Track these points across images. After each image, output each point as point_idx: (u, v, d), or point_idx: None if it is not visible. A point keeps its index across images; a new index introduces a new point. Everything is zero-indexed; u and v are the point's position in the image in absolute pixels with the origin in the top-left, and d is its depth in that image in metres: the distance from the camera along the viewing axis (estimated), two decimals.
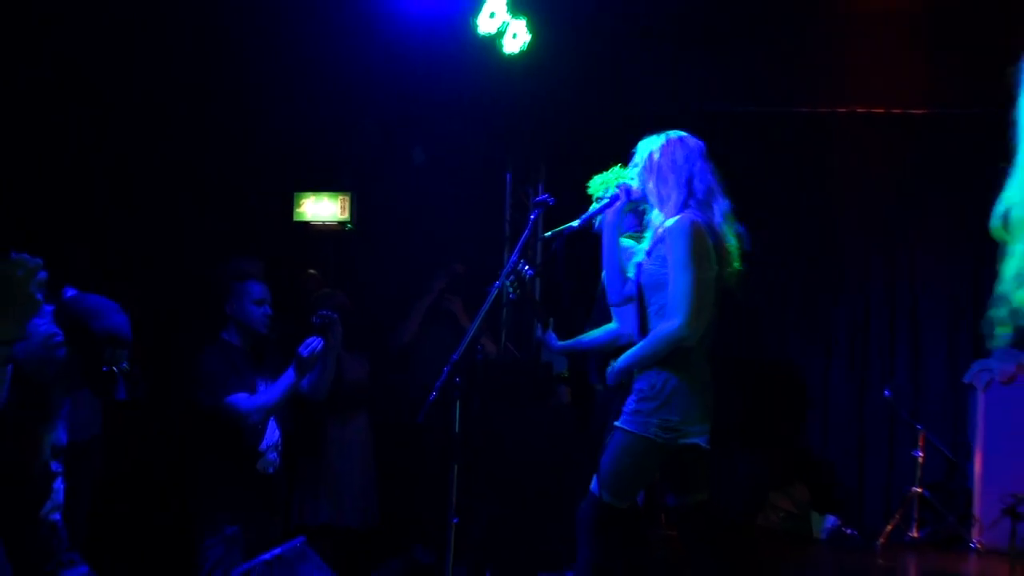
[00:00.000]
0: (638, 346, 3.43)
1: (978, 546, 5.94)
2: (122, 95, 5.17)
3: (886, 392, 6.19)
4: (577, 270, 4.53)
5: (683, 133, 3.58)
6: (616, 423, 3.45)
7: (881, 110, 6.53)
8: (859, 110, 6.55)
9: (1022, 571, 4.99)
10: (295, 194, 6.15)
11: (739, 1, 6.07)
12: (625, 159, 4.56)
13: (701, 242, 3.35)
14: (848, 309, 6.88)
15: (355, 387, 5.35)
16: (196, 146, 5.44)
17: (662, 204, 3.47)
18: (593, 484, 3.49)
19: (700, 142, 3.57)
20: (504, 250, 6.25)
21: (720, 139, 6.61)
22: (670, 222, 3.38)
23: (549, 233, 4.43)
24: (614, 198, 3.66)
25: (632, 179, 3.60)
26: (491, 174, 6.41)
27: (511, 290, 4.19)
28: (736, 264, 3.46)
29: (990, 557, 5.77)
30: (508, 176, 6.33)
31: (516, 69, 5.74)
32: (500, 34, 5.60)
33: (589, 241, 4.19)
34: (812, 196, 6.83)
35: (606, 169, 4.14)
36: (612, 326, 4.22)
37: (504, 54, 5.59)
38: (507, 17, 5.59)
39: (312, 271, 6.02)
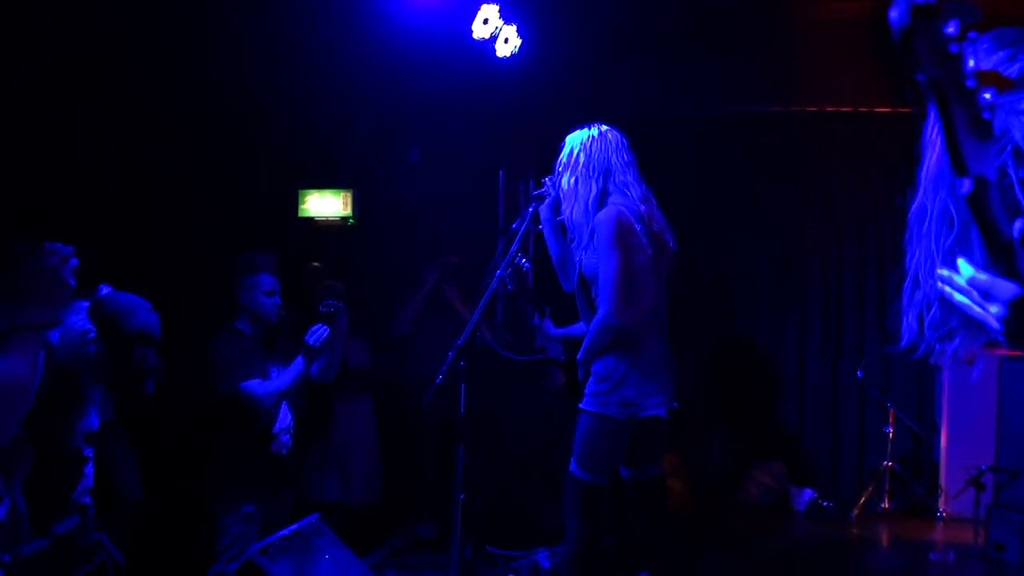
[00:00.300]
0: (584, 340, 3.60)
1: (944, 514, 6.28)
2: (133, 98, 5.33)
3: (859, 373, 6.47)
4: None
5: (604, 127, 3.71)
6: (580, 405, 3.63)
7: (849, 108, 6.83)
8: (828, 108, 6.85)
9: (985, 535, 5.27)
10: (300, 191, 6.36)
11: (715, 8, 6.28)
12: None
13: (626, 230, 3.47)
14: (820, 293, 7.13)
15: (359, 372, 5.61)
16: (206, 146, 5.58)
17: (581, 198, 3.57)
18: (571, 464, 3.62)
19: (620, 135, 3.71)
20: (499, 242, 6.50)
21: (699, 138, 7.03)
22: (600, 214, 3.48)
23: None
24: (544, 193, 3.83)
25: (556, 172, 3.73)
26: (484, 171, 6.61)
27: (509, 282, 4.43)
28: (671, 244, 3.64)
29: (955, 524, 6.09)
30: (501, 173, 6.56)
31: (507, 72, 5.96)
32: (493, 39, 5.84)
33: None
34: (787, 189, 7.10)
35: None
36: None
37: (496, 58, 5.81)
38: (499, 23, 5.82)
39: (315, 263, 6.26)
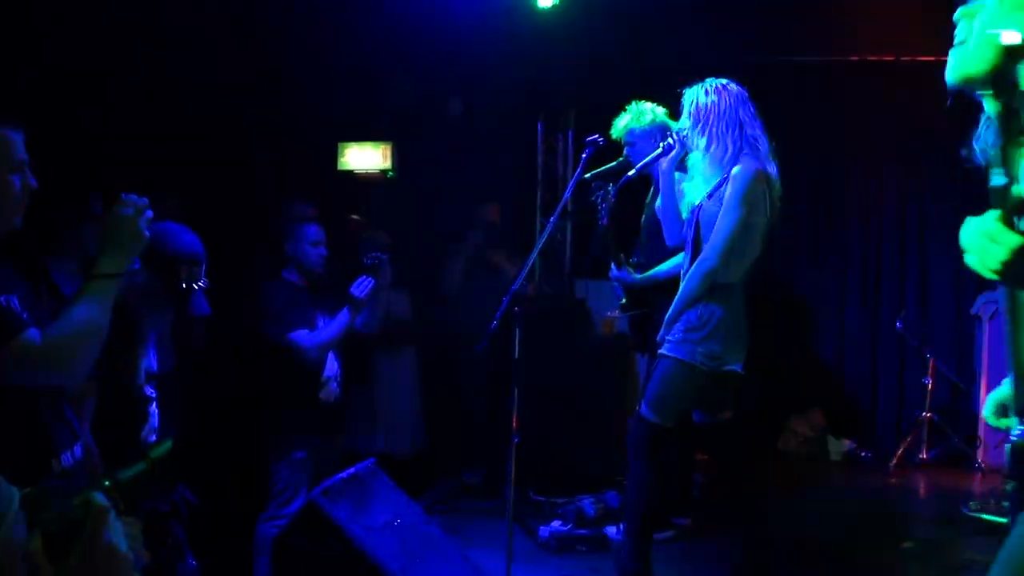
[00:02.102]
0: (681, 289, 3.65)
1: (983, 465, 6.29)
2: (196, 63, 5.41)
3: (897, 324, 6.46)
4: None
5: (725, 80, 3.72)
6: (662, 351, 3.68)
7: (891, 57, 6.74)
8: (870, 58, 6.76)
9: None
10: (339, 144, 6.39)
11: None
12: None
13: (758, 189, 3.54)
14: (861, 243, 7.10)
15: (400, 323, 5.68)
16: (252, 102, 5.71)
17: (712, 150, 3.61)
18: (641, 407, 3.72)
19: (742, 88, 3.72)
20: (537, 192, 6.54)
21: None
22: (736, 169, 3.53)
23: (589, 174, 4.73)
24: (668, 148, 3.88)
25: (683, 128, 3.76)
26: (523, 122, 6.64)
27: (603, 213, 4.42)
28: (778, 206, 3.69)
29: (994, 475, 6.11)
30: (540, 124, 6.58)
31: (548, 22, 5.95)
32: None
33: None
34: (827, 139, 7.03)
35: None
36: (680, 259, 4.37)
37: (538, 8, 5.79)
38: None
39: (356, 216, 6.32)
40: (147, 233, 2.32)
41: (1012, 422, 1.91)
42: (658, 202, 4.34)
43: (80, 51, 4.84)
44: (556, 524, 4.67)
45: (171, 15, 5.26)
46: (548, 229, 3.88)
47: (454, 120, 6.64)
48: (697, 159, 3.72)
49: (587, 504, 4.99)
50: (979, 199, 5.93)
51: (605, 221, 4.46)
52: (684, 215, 3.86)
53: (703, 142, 3.65)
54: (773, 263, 7.06)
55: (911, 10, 6.18)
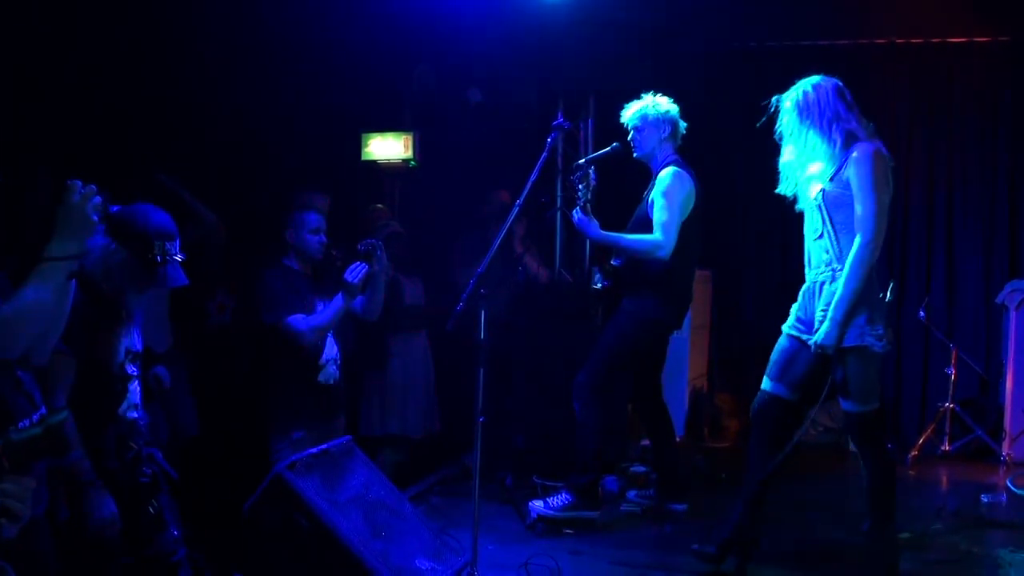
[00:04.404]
0: (842, 288, 3.68)
1: (1008, 458, 6.14)
2: (222, 52, 5.57)
3: (920, 313, 6.34)
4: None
5: (818, 78, 3.89)
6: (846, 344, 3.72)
7: (919, 40, 6.60)
8: (897, 40, 6.63)
9: None
10: (363, 134, 6.56)
11: None
12: (665, 92, 4.90)
13: (880, 168, 3.68)
14: (886, 231, 6.96)
15: (414, 309, 5.82)
16: (278, 93, 5.85)
17: (820, 147, 3.78)
18: (851, 406, 3.87)
19: (833, 80, 3.88)
20: (557, 180, 6.58)
21: (761, 73, 6.88)
22: (856, 152, 3.68)
23: (583, 160, 4.89)
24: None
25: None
26: (543, 111, 6.67)
27: (582, 194, 4.65)
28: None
29: (1018, 467, 5.98)
30: (559, 112, 6.60)
31: (558, 10, 5.97)
32: None
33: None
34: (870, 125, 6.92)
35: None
36: (657, 237, 4.57)
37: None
38: None
39: (379, 205, 6.47)
40: (95, 218, 2.42)
41: None
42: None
43: (100, 39, 5.00)
44: (541, 505, 4.71)
45: (197, 5, 5.42)
46: (512, 213, 3.89)
47: (475, 109, 6.71)
48: (802, 150, 3.84)
49: (610, 482, 5.06)
50: (1008, 185, 5.82)
51: (583, 201, 4.58)
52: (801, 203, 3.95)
53: (811, 137, 3.80)
54: (797, 251, 7.05)
55: None
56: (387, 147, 6.58)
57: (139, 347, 3.21)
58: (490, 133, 6.55)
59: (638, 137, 4.86)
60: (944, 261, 6.87)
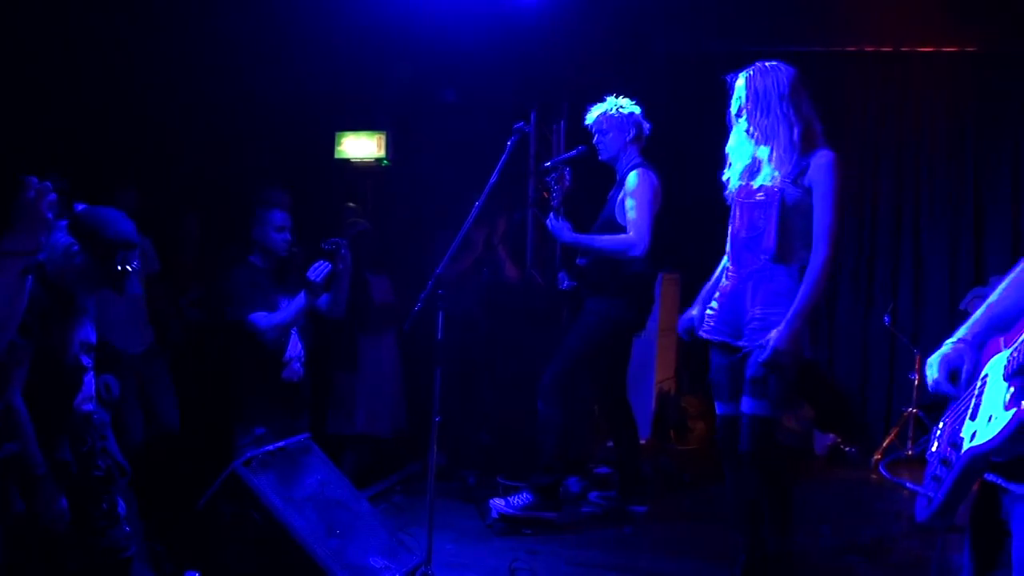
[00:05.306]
0: (800, 296, 3.47)
1: None
2: (196, 49, 5.58)
3: (885, 319, 6.39)
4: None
5: (774, 61, 3.62)
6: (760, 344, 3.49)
7: (890, 48, 6.65)
8: (867, 48, 6.68)
9: None
10: (336, 133, 6.60)
11: None
12: (639, 95, 4.93)
13: (844, 180, 3.51)
14: (855, 236, 7.02)
15: (384, 308, 5.83)
16: (249, 92, 5.84)
17: (770, 134, 3.53)
18: (759, 409, 3.55)
19: (792, 68, 3.61)
20: (529, 183, 6.61)
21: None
22: (821, 158, 3.47)
23: (550, 162, 4.92)
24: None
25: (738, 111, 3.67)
26: (517, 112, 6.67)
27: (556, 194, 4.68)
28: None
29: None
30: (533, 114, 6.62)
31: (533, 12, 5.99)
32: None
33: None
34: (824, 130, 6.93)
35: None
36: (630, 236, 4.58)
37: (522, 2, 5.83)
38: None
39: (350, 203, 6.48)
40: (50, 216, 2.45)
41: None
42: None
43: (73, 37, 5.01)
44: (502, 504, 4.74)
45: (169, 4, 5.44)
46: (472, 214, 3.89)
47: (448, 110, 6.74)
48: (743, 142, 3.63)
49: (573, 483, 5.14)
50: (973, 193, 5.83)
51: (557, 203, 4.61)
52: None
53: (762, 125, 3.56)
54: None
55: (911, 1, 6.13)
56: (360, 146, 6.62)
57: (93, 339, 3.21)
58: (463, 133, 6.56)
59: (603, 140, 4.88)
60: (911, 268, 6.91)
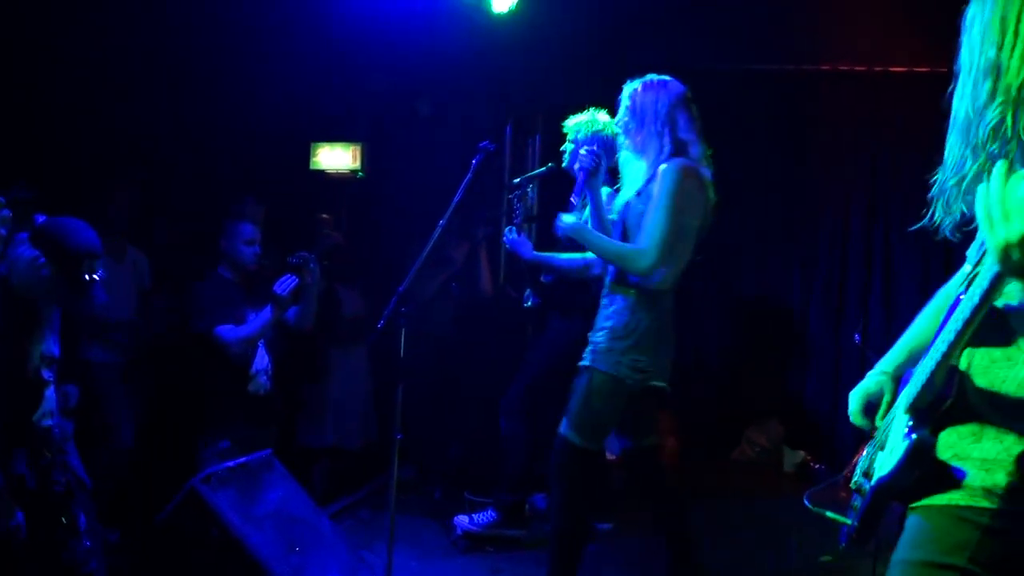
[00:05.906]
0: (604, 238, 3.47)
1: None
2: (172, 59, 5.59)
3: (855, 337, 6.41)
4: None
5: (666, 77, 3.52)
6: (584, 362, 3.47)
7: (863, 67, 6.69)
8: (842, 67, 6.72)
9: None
10: (311, 144, 6.58)
11: None
12: (613, 110, 4.92)
13: (688, 187, 3.31)
14: (827, 254, 7.03)
15: (354, 320, 5.83)
16: (224, 103, 5.85)
17: (643, 149, 3.46)
18: (563, 427, 3.48)
19: (682, 86, 3.51)
20: (503, 196, 6.61)
21: (709, 95, 6.94)
22: (664, 166, 3.32)
23: (517, 179, 4.90)
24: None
25: (615, 129, 3.66)
26: (492, 126, 6.70)
27: (518, 212, 4.63)
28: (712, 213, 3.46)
29: None
30: (508, 128, 6.65)
31: (508, 27, 5.99)
32: None
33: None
34: (797, 148, 6.98)
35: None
36: (589, 255, 4.46)
37: (492, 13, 5.82)
38: None
39: (324, 215, 6.46)
40: (3, 232, 2.53)
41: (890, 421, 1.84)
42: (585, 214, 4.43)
43: (45, 44, 5.01)
44: (466, 521, 4.73)
45: (148, 12, 5.41)
46: (434, 234, 3.89)
47: (424, 122, 6.75)
48: (629, 158, 3.55)
49: (539, 499, 5.06)
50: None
51: (519, 220, 4.60)
52: (614, 215, 3.65)
53: (633, 138, 3.50)
54: (738, 271, 7.14)
55: (885, 21, 6.17)
56: (335, 157, 6.61)
57: (56, 353, 3.21)
58: (439, 146, 6.58)
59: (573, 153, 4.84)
60: (881, 285, 6.91)
